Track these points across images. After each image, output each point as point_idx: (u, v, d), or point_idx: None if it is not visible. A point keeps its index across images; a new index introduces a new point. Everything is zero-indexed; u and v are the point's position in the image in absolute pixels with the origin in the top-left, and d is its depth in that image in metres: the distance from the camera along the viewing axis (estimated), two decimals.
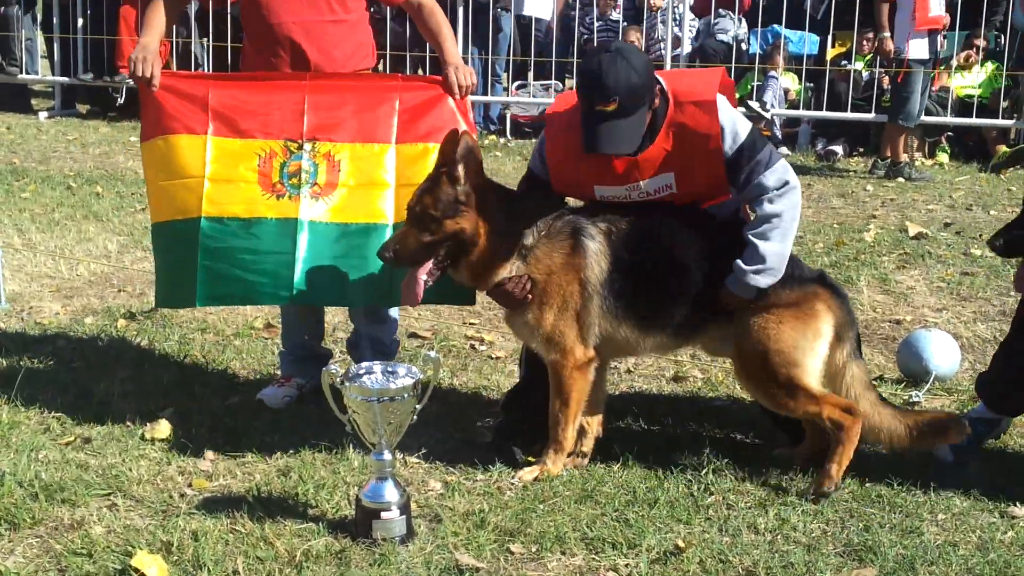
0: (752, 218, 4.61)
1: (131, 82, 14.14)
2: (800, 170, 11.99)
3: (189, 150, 4.90)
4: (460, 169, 4.36)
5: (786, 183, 4.47)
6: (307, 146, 4.90)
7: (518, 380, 5.18)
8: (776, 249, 4.44)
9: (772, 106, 13.04)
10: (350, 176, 4.92)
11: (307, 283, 4.81)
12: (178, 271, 4.93)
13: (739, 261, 4.45)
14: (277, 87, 5.00)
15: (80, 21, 14.80)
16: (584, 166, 4.54)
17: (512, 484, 4.47)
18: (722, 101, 4.45)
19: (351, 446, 4.64)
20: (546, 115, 4.69)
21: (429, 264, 4.47)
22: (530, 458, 4.67)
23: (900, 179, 11.44)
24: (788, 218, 4.47)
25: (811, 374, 4.51)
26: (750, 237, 4.46)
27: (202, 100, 4.94)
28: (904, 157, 11.79)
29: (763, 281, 4.45)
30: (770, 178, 4.45)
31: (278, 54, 5.08)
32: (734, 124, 4.43)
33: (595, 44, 4.58)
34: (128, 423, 4.99)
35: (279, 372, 5.54)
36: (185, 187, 4.89)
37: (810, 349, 4.51)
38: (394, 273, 4.71)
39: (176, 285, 4.97)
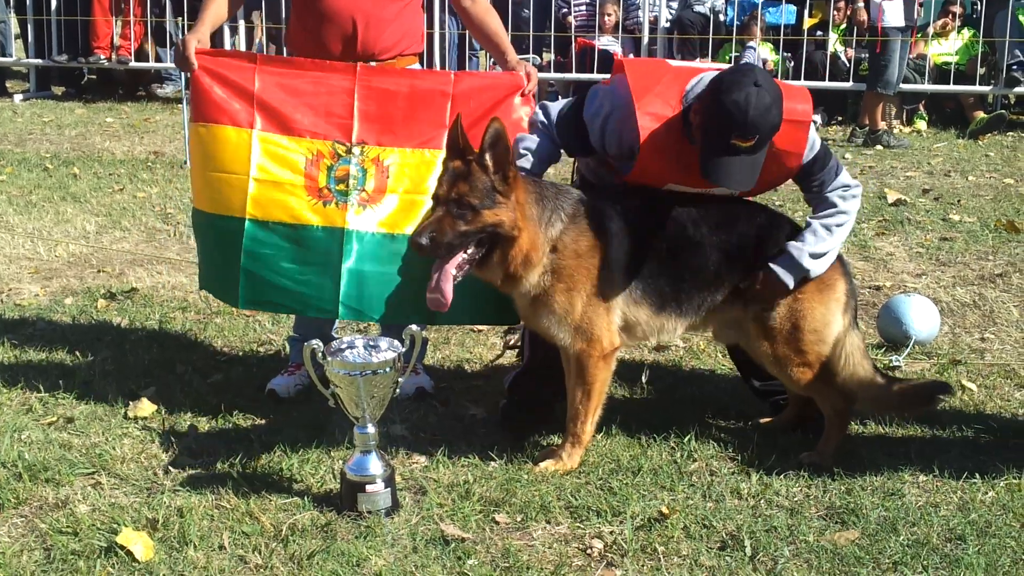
0: (820, 204, 4.55)
1: (105, 63, 14.35)
2: None
3: (233, 144, 4.75)
4: (489, 158, 4.14)
5: (854, 185, 4.55)
6: (356, 150, 4.74)
7: (523, 362, 5.05)
8: (835, 242, 4.47)
9: None
10: (398, 183, 4.75)
11: (352, 297, 4.70)
12: (220, 266, 4.85)
13: (796, 243, 4.42)
14: (326, 76, 4.80)
15: (54, 2, 14.66)
16: (676, 167, 4.37)
17: (496, 456, 4.47)
18: (812, 129, 4.43)
19: (335, 420, 4.64)
20: (636, 109, 4.31)
21: (459, 258, 4.20)
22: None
23: (879, 147, 11.46)
24: (851, 219, 4.53)
25: (831, 347, 4.52)
26: (816, 222, 4.46)
27: (247, 89, 4.76)
28: (882, 125, 11.82)
29: (815, 268, 4.44)
30: (841, 181, 4.50)
31: (327, 31, 4.92)
32: (814, 139, 4.44)
33: (729, 72, 4.12)
34: (111, 402, 4.98)
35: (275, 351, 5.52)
36: (228, 183, 4.76)
37: (836, 322, 4.52)
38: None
39: (219, 279, 4.92)
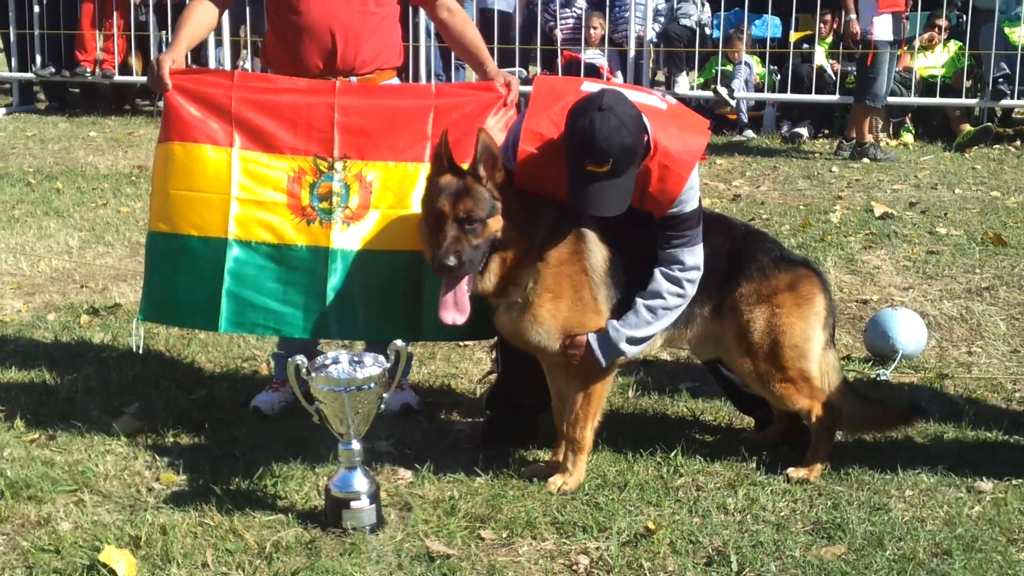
0: (650, 280, 4.40)
1: (90, 75, 14.31)
2: (766, 153, 12.07)
3: (213, 163, 4.68)
4: (482, 169, 4.16)
5: (697, 268, 4.39)
6: (338, 165, 4.68)
7: (495, 377, 5.05)
8: (657, 327, 4.40)
9: (739, 90, 13.11)
10: (382, 199, 4.69)
11: (338, 317, 4.65)
12: (191, 289, 4.71)
13: (616, 323, 4.35)
14: (305, 91, 4.77)
15: (36, 9, 14.60)
16: (551, 184, 4.28)
17: (481, 471, 4.45)
18: (693, 176, 4.30)
19: (319, 437, 4.61)
20: (522, 126, 4.29)
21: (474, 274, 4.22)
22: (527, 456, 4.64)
23: (865, 160, 11.47)
24: (683, 303, 4.41)
25: (815, 363, 4.52)
26: (641, 303, 4.36)
27: (224, 107, 4.70)
28: (869, 137, 11.83)
29: (631, 351, 4.39)
30: (688, 258, 4.36)
31: (306, 45, 4.89)
32: (691, 195, 4.31)
33: (580, 98, 4.15)
34: (93, 419, 4.95)
35: (262, 367, 5.50)
36: (206, 203, 4.68)
37: (816, 337, 4.51)
38: (423, 305, 4.58)
39: (188, 303, 4.76)
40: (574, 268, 4.32)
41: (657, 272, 4.38)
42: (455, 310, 4.19)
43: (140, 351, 5.44)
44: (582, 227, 4.34)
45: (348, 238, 4.67)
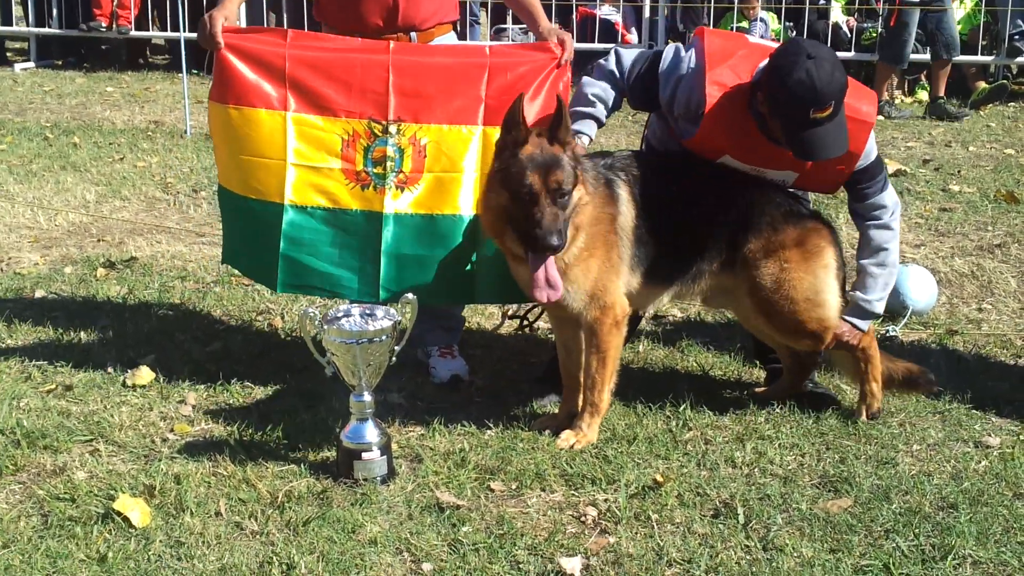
0: (862, 240, 4.64)
1: (105, 30, 14.29)
2: None
3: (268, 128, 4.67)
4: (565, 135, 4.16)
5: (896, 204, 4.66)
6: (392, 128, 4.67)
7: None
8: (892, 274, 4.64)
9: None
10: (435, 162, 4.70)
11: (393, 280, 4.67)
12: (254, 248, 4.82)
13: (860, 293, 4.57)
14: (359, 50, 4.74)
15: None
16: (735, 138, 4.45)
17: (491, 424, 4.49)
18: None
19: (331, 388, 4.66)
20: (706, 79, 4.37)
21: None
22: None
23: (880, 117, 11.39)
24: (898, 240, 4.66)
25: (835, 308, 4.58)
26: (869, 267, 4.58)
27: (279, 68, 4.66)
28: (884, 95, 11.75)
29: (882, 307, 4.62)
30: (887, 199, 4.59)
31: (365, 1, 4.86)
32: (871, 145, 4.50)
33: (780, 55, 4.23)
34: (109, 370, 5.00)
35: (276, 320, 5.52)
36: (264, 167, 4.69)
37: (830, 286, 4.56)
38: (477, 267, 4.64)
39: (252, 260, 4.90)
40: (606, 229, 4.34)
41: (867, 228, 4.58)
42: (548, 287, 4.18)
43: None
44: (615, 187, 4.38)
45: (401, 203, 4.68)
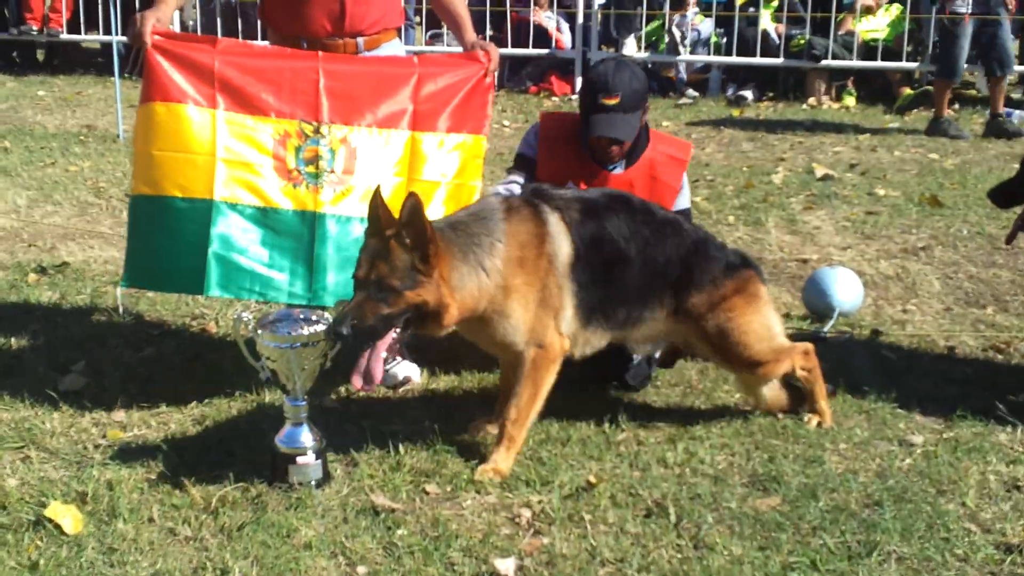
0: None
1: (35, 31, 14.10)
2: (711, 115, 12.15)
3: (197, 124, 4.60)
4: (407, 235, 3.92)
5: None
6: (324, 130, 4.66)
7: None
8: None
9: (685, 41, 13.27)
10: (367, 164, 4.70)
11: (327, 281, 4.63)
12: (177, 253, 4.64)
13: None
14: (289, 56, 4.76)
15: None
16: (568, 163, 4.94)
17: (427, 428, 4.51)
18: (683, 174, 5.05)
19: (266, 393, 4.66)
20: (542, 115, 5.16)
21: (389, 338, 4.01)
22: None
23: (942, 138, 10.86)
24: None
25: (783, 334, 4.68)
26: None
27: (207, 69, 4.62)
28: (947, 113, 11.33)
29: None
30: None
31: (311, 5, 4.84)
32: (687, 191, 5.10)
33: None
34: (40, 376, 4.95)
35: (210, 324, 5.50)
36: (192, 163, 4.60)
37: (774, 319, 4.66)
38: None
39: (173, 267, 4.69)
40: (537, 268, 4.25)
41: None
42: (361, 376, 4.04)
43: (123, 312, 5.38)
44: (545, 221, 4.30)
45: (335, 203, 4.67)
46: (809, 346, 4.68)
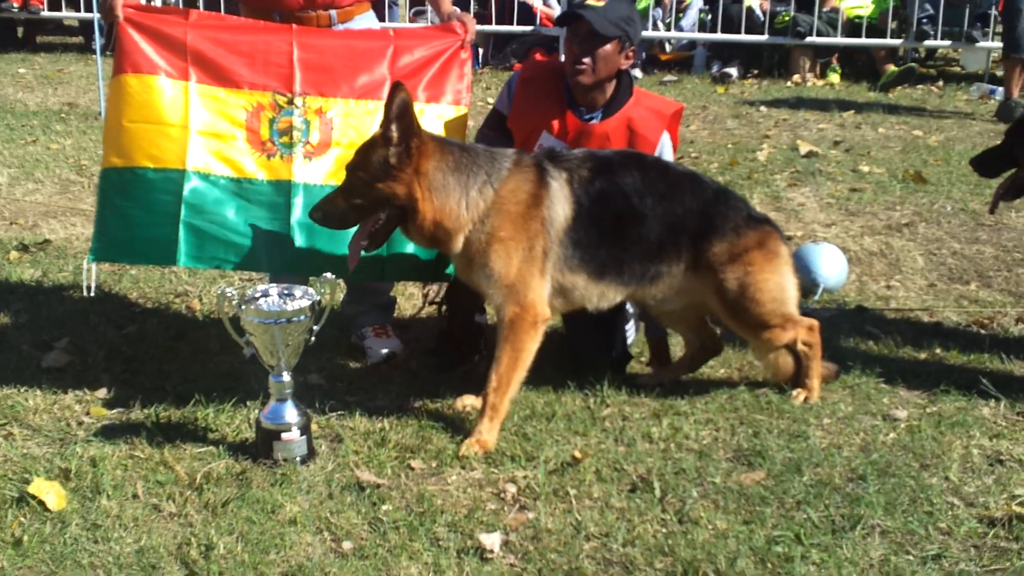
0: None
1: (16, 8, 14.01)
2: (696, 92, 12.14)
3: (169, 95, 4.60)
4: (394, 129, 4.12)
5: None
6: (298, 101, 4.67)
7: (443, 322, 5.13)
8: None
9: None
10: (343, 135, 4.70)
11: (302, 252, 4.60)
12: (148, 223, 4.59)
13: None
14: (262, 30, 4.76)
15: None
16: (544, 109, 4.82)
17: (412, 403, 4.51)
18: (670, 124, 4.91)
19: (250, 370, 4.65)
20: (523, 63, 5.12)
21: (366, 229, 4.28)
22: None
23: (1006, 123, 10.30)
24: None
25: (795, 302, 4.67)
26: None
27: (179, 42, 4.63)
28: (1016, 93, 10.83)
29: None
30: None
31: None
32: (670, 150, 4.89)
33: None
34: (23, 354, 4.94)
35: (194, 302, 5.48)
36: (163, 134, 4.58)
37: (791, 282, 4.65)
38: (387, 243, 4.53)
39: (145, 238, 4.62)
40: (527, 222, 4.31)
41: None
42: (349, 258, 4.34)
43: (91, 293, 5.38)
44: (547, 180, 4.36)
45: (310, 172, 4.66)
46: (815, 322, 4.68)
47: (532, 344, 4.32)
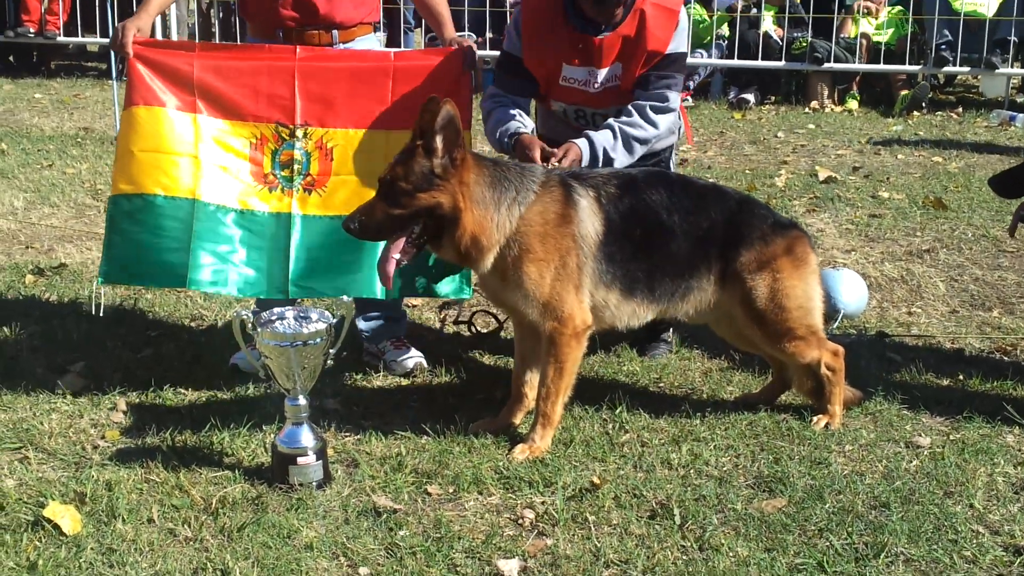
0: (624, 110, 4.97)
1: (32, 33, 14.07)
2: (713, 118, 12.12)
3: (179, 126, 4.76)
4: (439, 141, 4.11)
5: (675, 111, 5.09)
6: (299, 133, 4.79)
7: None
8: (621, 153, 4.90)
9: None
10: (342, 165, 4.81)
11: (302, 279, 4.74)
12: (158, 248, 4.72)
13: (591, 132, 4.91)
14: (267, 56, 4.84)
15: None
16: (556, 41, 4.95)
17: (428, 428, 4.47)
18: (683, 15, 5.02)
19: (266, 394, 4.62)
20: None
21: (402, 242, 4.20)
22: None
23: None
24: (657, 137, 5.03)
25: (821, 313, 4.64)
26: (615, 123, 4.92)
27: (187, 76, 4.77)
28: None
29: (599, 158, 4.87)
30: (672, 97, 4.95)
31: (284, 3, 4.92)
32: (682, 37, 5.00)
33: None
34: (39, 377, 4.92)
35: (208, 325, 5.47)
36: (173, 163, 4.74)
37: (817, 292, 4.63)
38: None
39: (154, 261, 4.74)
40: (560, 238, 4.32)
41: (640, 103, 4.92)
42: (382, 273, 4.27)
43: (100, 313, 5.36)
44: (576, 198, 4.37)
45: (308, 204, 4.78)
46: (840, 348, 4.65)
47: (576, 354, 4.40)
